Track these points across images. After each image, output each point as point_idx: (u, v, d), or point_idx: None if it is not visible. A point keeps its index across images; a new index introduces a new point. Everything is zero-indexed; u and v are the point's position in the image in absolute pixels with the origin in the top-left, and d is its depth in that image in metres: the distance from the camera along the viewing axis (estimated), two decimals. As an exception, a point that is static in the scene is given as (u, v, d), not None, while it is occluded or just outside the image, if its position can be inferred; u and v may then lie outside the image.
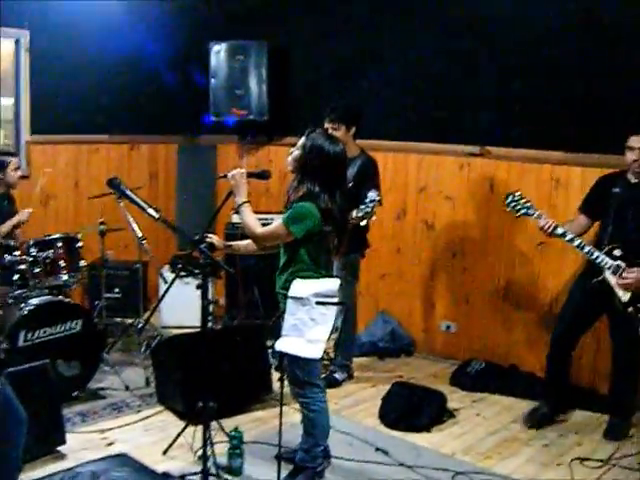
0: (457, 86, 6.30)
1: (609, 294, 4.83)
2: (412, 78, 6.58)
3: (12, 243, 5.36)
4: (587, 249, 4.85)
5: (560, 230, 4.88)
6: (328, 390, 4.97)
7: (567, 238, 4.86)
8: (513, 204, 5.01)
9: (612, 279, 4.80)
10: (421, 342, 6.82)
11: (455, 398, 5.71)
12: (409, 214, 6.77)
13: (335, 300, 3.79)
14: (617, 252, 4.81)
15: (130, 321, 6.64)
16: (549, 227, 4.88)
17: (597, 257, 4.82)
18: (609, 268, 4.80)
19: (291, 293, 3.73)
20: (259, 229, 4.15)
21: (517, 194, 5.03)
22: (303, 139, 4.14)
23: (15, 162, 5.78)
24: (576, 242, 4.86)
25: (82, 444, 4.67)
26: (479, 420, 5.37)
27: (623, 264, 4.77)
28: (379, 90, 6.78)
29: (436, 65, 6.41)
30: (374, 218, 5.09)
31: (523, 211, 4.98)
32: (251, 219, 4.18)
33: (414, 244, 6.77)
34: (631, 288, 4.75)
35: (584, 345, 5.47)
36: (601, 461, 4.70)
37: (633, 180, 4.91)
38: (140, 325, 6.37)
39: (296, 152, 4.16)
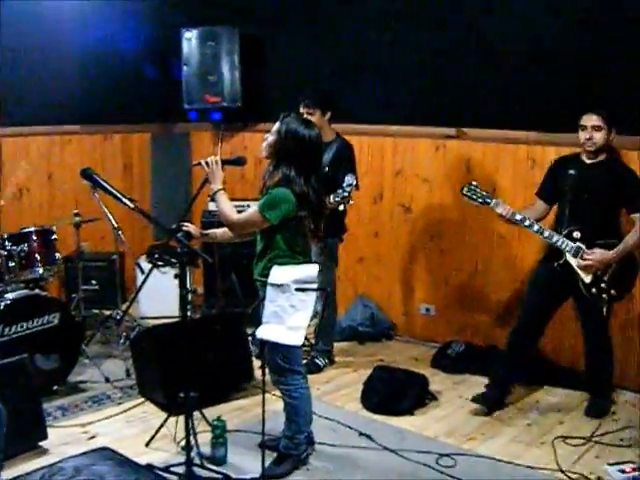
0: (431, 68, 6.28)
1: (572, 277, 4.84)
2: (386, 61, 6.55)
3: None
4: (546, 233, 4.84)
5: (519, 216, 4.86)
6: (310, 376, 4.98)
7: (526, 224, 4.85)
8: (469, 193, 4.98)
9: (573, 261, 4.81)
10: (401, 325, 6.82)
11: (436, 380, 5.72)
12: (386, 197, 6.76)
13: (315, 286, 3.77)
14: (576, 234, 4.82)
15: (108, 313, 6.59)
16: (507, 213, 4.86)
17: (557, 240, 4.83)
18: (569, 251, 4.80)
19: (270, 280, 3.71)
20: (235, 216, 4.13)
21: (473, 184, 5.00)
22: (277, 124, 4.11)
23: None
24: (535, 227, 4.85)
25: (64, 438, 4.64)
26: (461, 402, 5.37)
27: (583, 246, 4.78)
28: (353, 74, 6.75)
29: (411, 47, 6.36)
30: (351, 202, 5.08)
31: (480, 200, 4.95)
32: (227, 206, 4.16)
33: (392, 228, 6.77)
34: (592, 269, 4.78)
35: (565, 323, 5.49)
36: (583, 439, 4.73)
37: (587, 161, 4.91)
38: (119, 317, 6.33)
39: (270, 138, 4.13)
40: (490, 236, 6.06)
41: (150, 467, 4.01)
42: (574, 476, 4.25)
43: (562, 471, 4.32)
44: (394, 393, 5.24)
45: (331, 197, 4.92)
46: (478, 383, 5.38)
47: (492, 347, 6.04)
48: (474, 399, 5.16)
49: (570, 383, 5.54)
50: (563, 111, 5.33)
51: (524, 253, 5.89)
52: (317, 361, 5.95)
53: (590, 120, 4.79)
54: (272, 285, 3.69)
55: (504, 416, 5.14)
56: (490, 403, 5.16)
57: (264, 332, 3.67)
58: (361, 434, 4.80)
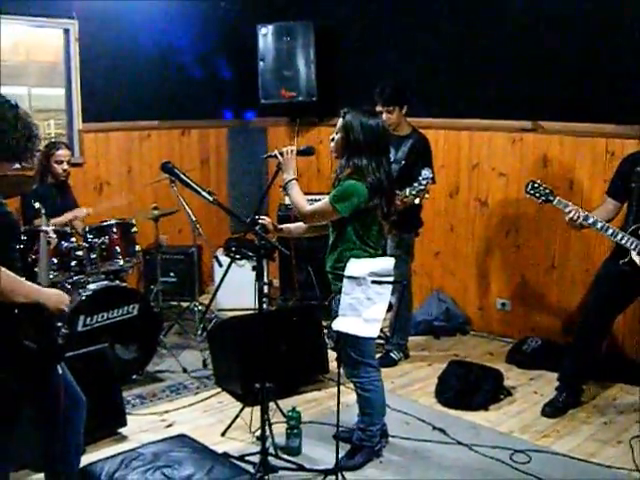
0: (507, 61, 6.21)
1: (638, 275, 4.68)
2: (461, 55, 6.52)
3: (68, 230, 5.42)
4: (611, 231, 4.69)
5: (591, 219, 4.70)
6: (384, 369, 5.01)
7: (589, 221, 4.68)
8: (533, 191, 4.89)
9: (638, 260, 4.67)
10: (476, 320, 6.79)
11: (512, 376, 5.68)
12: (462, 191, 6.73)
13: (391, 279, 3.77)
14: None
15: (186, 304, 6.71)
16: (579, 217, 4.70)
17: (622, 238, 4.68)
18: (635, 249, 4.66)
19: (347, 272, 3.73)
20: (307, 207, 4.18)
21: (537, 181, 4.91)
22: (340, 121, 4.14)
23: (59, 155, 5.81)
24: (599, 225, 4.68)
25: (142, 426, 4.76)
26: (537, 398, 5.32)
27: None
28: (428, 67, 6.73)
29: (486, 41, 6.32)
30: (427, 196, 5.06)
31: (543, 198, 4.85)
32: (299, 196, 4.21)
33: (467, 222, 6.74)
34: None
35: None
36: (662, 438, 4.63)
37: None
38: (197, 309, 6.43)
39: (337, 136, 4.17)
40: (567, 231, 5.97)
41: (226, 455, 4.07)
42: (651, 475, 4.18)
43: (639, 470, 4.24)
44: (468, 388, 5.22)
45: (407, 190, 4.91)
46: (554, 379, 5.28)
47: (569, 344, 5.96)
48: (543, 412, 5.08)
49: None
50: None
51: (601, 248, 5.78)
52: (392, 355, 5.96)
53: None
54: (349, 277, 3.71)
55: (580, 414, 5.07)
56: (557, 412, 5.07)
57: (340, 324, 3.69)
58: (435, 428, 4.80)
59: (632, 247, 4.67)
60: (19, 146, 3.02)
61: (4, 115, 2.98)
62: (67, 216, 5.71)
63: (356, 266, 3.75)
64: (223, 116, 8.20)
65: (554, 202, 4.81)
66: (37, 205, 4.77)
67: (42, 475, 3.50)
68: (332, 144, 4.22)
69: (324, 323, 5.43)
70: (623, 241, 4.68)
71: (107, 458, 3.58)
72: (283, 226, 4.58)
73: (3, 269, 2.83)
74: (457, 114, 6.60)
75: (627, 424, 4.90)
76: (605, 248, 5.67)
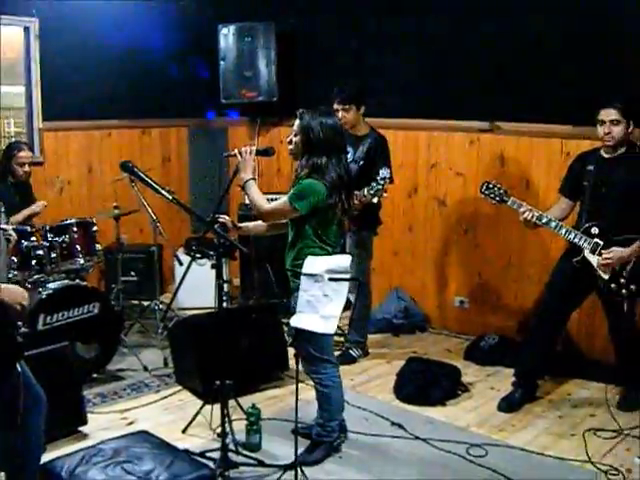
0: (464, 62, 6.31)
1: (591, 273, 4.79)
2: (420, 55, 6.60)
3: (28, 229, 5.41)
4: (564, 230, 4.81)
5: (545, 219, 4.84)
6: (343, 367, 5.09)
7: (543, 221, 4.82)
8: (487, 192, 4.99)
9: (591, 258, 4.76)
10: (435, 318, 6.88)
11: (469, 372, 5.77)
12: (420, 191, 6.81)
13: (347, 276, 3.84)
14: (594, 230, 4.76)
15: (147, 303, 6.73)
16: (532, 217, 4.84)
17: (574, 237, 4.79)
18: (587, 247, 4.76)
19: (304, 270, 3.78)
20: (265, 205, 4.22)
21: (492, 182, 5.00)
22: (298, 123, 4.20)
23: (21, 156, 5.79)
24: (552, 224, 4.81)
25: (103, 424, 4.77)
26: (493, 393, 5.40)
27: (601, 242, 4.72)
28: (387, 68, 6.80)
29: (443, 41, 6.42)
30: (385, 195, 5.13)
31: (498, 198, 4.95)
32: (257, 195, 4.25)
33: (426, 221, 6.82)
34: (609, 267, 4.70)
35: (595, 316, 5.50)
36: (614, 431, 4.72)
37: (606, 155, 4.87)
38: (157, 307, 6.45)
39: (296, 138, 4.22)
40: (523, 230, 6.02)
41: (187, 452, 4.11)
42: (604, 467, 4.26)
43: (592, 462, 4.33)
44: (426, 384, 5.29)
45: (365, 190, 4.98)
46: (510, 375, 5.37)
47: (525, 340, 6.06)
48: (499, 407, 5.16)
49: (602, 376, 5.53)
50: (597, 104, 5.31)
51: (557, 246, 5.88)
52: (351, 352, 6.03)
53: (608, 114, 4.74)
54: (306, 275, 3.76)
55: (535, 408, 5.16)
56: (513, 407, 5.15)
57: (298, 321, 3.74)
58: (393, 423, 4.86)
59: (585, 246, 4.77)
60: None
61: None
62: (24, 212, 5.68)
63: (313, 263, 3.81)
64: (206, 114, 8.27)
65: (508, 202, 4.91)
66: None
67: (2, 474, 3.50)
68: (290, 146, 4.27)
69: (284, 320, 5.47)
70: (576, 240, 4.78)
71: (67, 455, 3.60)
72: (243, 224, 4.62)
73: None
74: (415, 114, 6.67)
75: (581, 418, 5.01)
76: (560, 246, 5.76)
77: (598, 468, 4.27)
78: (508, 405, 5.15)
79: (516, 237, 6.20)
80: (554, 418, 5.02)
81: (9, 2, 6.57)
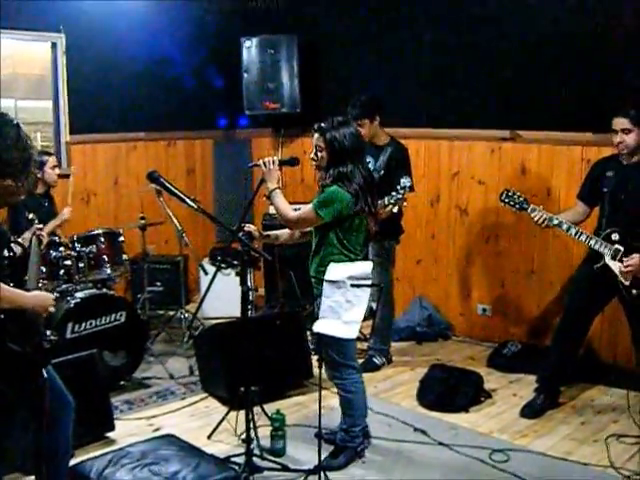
0: (485, 71, 6.37)
1: (612, 279, 4.78)
2: (441, 65, 6.67)
3: (57, 239, 5.51)
4: (584, 237, 4.83)
5: (556, 220, 4.87)
6: (367, 374, 5.15)
7: (563, 227, 4.86)
8: (507, 200, 5.02)
9: (613, 264, 4.76)
10: (458, 326, 6.92)
11: (492, 379, 5.79)
12: (442, 200, 6.86)
13: (369, 282, 3.89)
14: (615, 236, 4.76)
15: (172, 313, 6.81)
16: (543, 220, 4.88)
17: (595, 243, 4.81)
18: (608, 253, 4.77)
19: (327, 276, 3.84)
20: (291, 213, 4.30)
21: (512, 190, 5.04)
22: (317, 137, 4.27)
23: (53, 160, 5.89)
24: (572, 231, 4.84)
25: (130, 430, 4.84)
26: (516, 400, 5.42)
27: (621, 248, 4.73)
28: (408, 78, 6.87)
29: (465, 52, 6.48)
30: (405, 204, 5.18)
31: (517, 206, 4.99)
32: (283, 204, 4.33)
33: (448, 229, 6.86)
34: (631, 274, 4.69)
35: (619, 322, 5.47)
36: (637, 437, 4.72)
37: (625, 162, 4.88)
38: (183, 316, 6.53)
39: (320, 154, 4.28)
40: (545, 237, 6.10)
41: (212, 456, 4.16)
42: (626, 473, 4.28)
43: (614, 468, 4.35)
44: (449, 390, 5.33)
45: (385, 199, 5.03)
46: (533, 382, 5.40)
47: (548, 347, 6.08)
48: (521, 413, 5.18)
49: (625, 382, 5.51)
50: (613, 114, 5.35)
51: (579, 253, 5.90)
52: (375, 360, 6.07)
53: (619, 124, 4.77)
54: (328, 281, 3.82)
55: (557, 415, 5.18)
56: (536, 413, 5.17)
57: (320, 326, 3.80)
58: (416, 429, 4.90)
59: (606, 252, 4.78)
60: (16, 167, 3.04)
61: (7, 134, 3.02)
62: (54, 223, 5.73)
63: (335, 270, 3.87)
64: (218, 124, 8.34)
65: (528, 210, 4.94)
66: (31, 216, 4.82)
67: (32, 478, 3.57)
68: (315, 163, 4.34)
69: (307, 328, 5.52)
70: (597, 246, 4.80)
71: (96, 457, 3.67)
72: (270, 233, 4.69)
73: None
74: (437, 124, 6.73)
75: (603, 424, 5.02)
76: (582, 253, 5.80)
77: (620, 474, 4.29)
78: (531, 411, 5.17)
79: (538, 245, 6.24)
80: (577, 424, 5.03)
81: (36, 18, 6.69)
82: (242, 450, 4.28)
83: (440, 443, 4.72)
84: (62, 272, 5.45)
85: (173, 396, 5.51)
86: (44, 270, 5.27)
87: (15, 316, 3.05)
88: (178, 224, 6.18)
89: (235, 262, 6.47)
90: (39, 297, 3.20)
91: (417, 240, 6.96)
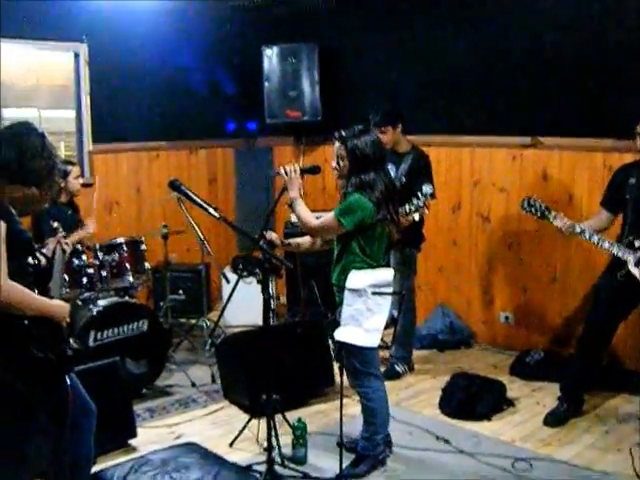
0: (506, 78, 6.35)
1: (636, 286, 4.74)
2: (462, 72, 6.65)
3: (80, 248, 5.54)
4: (606, 244, 4.79)
5: (578, 229, 4.83)
6: (389, 382, 5.14)
7: (586, 236, 4.82)
8: (529, 208, 4.99)
9: (636, 271, 4.72)
10: (480, 334, 6.89)
11: (514, 388, 5.76)
12: (464, 207, 6.85)
13: (390, 290, 3.89)
14: (638, 243, 4.73)
15: (194, 321, 6.83)
16: (565, 227, 4.85)
17: (618, 251, 4.77)
18: (631, 261, 4.73)
19: (348, 284, 3.85)
20: (313, 222, 4.31)
21: (532, 198, 5.00)
22: (340, 146, 4.27)
23: (76, 170, 5.94)
24: (594, 238, 4.80)
25: (151, 438, 4.85)
26: (539, 409, 5.39)
27: None
28: (429, 85, 6.86)
29: (485, 59, 6.47)
30: (427, 212, 5.17)
31: (539, 214, 4.96)
32: (305, 212, 4.33)
33: (470, 237, 6.85)
34: None
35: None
36: (662, 445, 4.69)
37: None
38: (205, 325, 6.55)
39: (342, 162, 4.28)
40: (568, 244, 6.06)
41: (233, 464, 4.17)
42: (651, 482, 4.25)
43: (639, 477, 4.30)
44: (471, 399, 5.31)
45: (407, 206, 5.03)
46: (556, 390, 5.35)
47: (571, 355, 6.04)
48: (545, 421, 5.16)
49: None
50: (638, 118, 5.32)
51: (602, 261, 5.86)
52: (396, 368, 6.06)
53: None
54: (349, 289, 3.83)
55: (581, 423, 5.15)
56: (559, 422, 5.15)
57: (342, 334, 3.81)
58: (438, 438, 4.89)
59: (629, 259, 4.75)
60: (40, 175, 3.11)
61: (33, 143, 3.09)
62: (78, 234, 5.72)
63: (357, 278, 3.87)
64: (229, 130, 8.37)
65: (550, 217, 4.91)
66: (55, 224, 4.85)
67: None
68: (337, 173, 4.34)
69: (329, 336, 5.52)
70: (620, 253, 4.77)
71: (118, 464, 3.69)
72: (291, 240, 4.70)
73: (16, 284, 2.97)
74: (458, 131, 6.73)
75: (627, 433, 4.98)
76: (605, 260, 5.77)
77: (645, 482, 4.25)
78: (554, 419, 5.14)
79: (561, 252, 6.20)
80: (600, 433, 5.00)
81: (60, 28, 6.75)
82: (263, 458, 4.29)
83: (462, 452, 4.70)
84: (85, 280, 5.47)
85: (195, 404, 5.52)
86: (67, 278, 5.31)
87: (39, 323, 3.08)
88: (200, 232, 6.19)
89: (257, 270, 6.46)
90: (61, 306, 3.23)
91: (439, 248, 6.95)
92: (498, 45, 6.37)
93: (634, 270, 4.75)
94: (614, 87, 5.68)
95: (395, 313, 5.31)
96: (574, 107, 5.93)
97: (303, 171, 4.43)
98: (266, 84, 7.72)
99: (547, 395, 5.61)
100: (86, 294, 5.52)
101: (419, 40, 6.93)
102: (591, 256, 5.92)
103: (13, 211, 3.13)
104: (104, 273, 5.56)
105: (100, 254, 5.58)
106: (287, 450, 4.56)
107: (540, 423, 5.15)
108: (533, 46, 6.14)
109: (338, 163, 4.30)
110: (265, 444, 4.30)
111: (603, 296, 5.08)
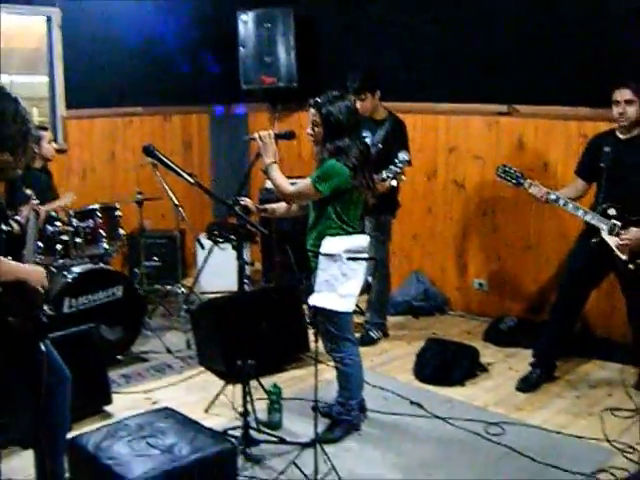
0: (482, 46, 6.33)
1: (609, 253, 4.80)
2: (438, 40, 6.63)
3: (53, 214, 5.50)
4: (580, 212, 4.84)
5: (553, 196, 4.88)
6: (364, 348, 5.18)
7: (560, 203, 4.87)
8: (503, 175, 5.03)
9: (609, 239, 4.78)
10: (454, 300, 6.94)
11: (488, 354, 5.82)
12: (439, 174, 6.86)
13: (365, 255, 3.90)
14: (611, 211, 4.78)
15: (169, 287, 6.83)
16: (540, 194, 4.90)
17: (592, 218, 4.82)
18: (605, 228, 4.78)
19: (323, 250, 3.86)
20: (289, 188, 4.29)
21: (507, 166, 5.04)
22: (314, 113, 4.24)
23: (49, 135, 5.88)
24: (569, 206, 4.85)
25: (127, 404, 4.86)
26: (512, 374, 5.45)
27: (618, 223, 4.74)
28: (405, 52, 6.84)
29: (461, 26, 6.45)
30: (404, 178, 5.18)
31: (514, 181, 4.99)
32: (280, 178, 4.31)
33: (445, 204, 6.87)
34: (628, 248, 4.72)
35: (615, 297, 5.52)
36: (632, 411, 4.77)
37: (622, 136, 4.88)
38: (180, 291, 6.54)
39: (317, 129, 4.26)
40: (542, 212, 6.09)
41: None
42: (620, 446, 4.31)
43: (609, 441, 4.38)
44: (445, 364, 5.36)
45: (383, 173, 5.03)
46: (529, 356, 5.41)
47: (544, 322, 6.10)
48: (517, 387, 5.21)
49: (620, 357, 5.57)
50: (614, 85, 5.33)
51: (576, 228, 5.90)
52: (371, 334, 6.09)
53: (622, 94, 4.76)
54: (324, 255, 3.83)
55: (553, 388, 5.22)
56: (532, 387, 5.20)
57: (317, 300, 3.82)
58: (412, 403, 4.93)
59: (602, 227, 4.79)
60: (14, 140, 3.05)
61: (6, 108, 3.03)
62: (55, 205, 5.66)
63: (331, 243, 3.89)
64: (214, 112, 8.33)
65: (524, 185, 4.94)
66: (29, 191, 4.82)
67: (31, 451, 3.59)
68: (313, 138, 4.31)
69: (304, 301, 5.54)
70: (594, 221, 4.81)
71: (93, 430, 3.69)
72: (267, 206, 4.68)
73: None
74: (434, 98, 6.71)
75: (598, 398, 5.06)
76: (579, 227, 5.81)
77: (614, 447, 4.32)
78: (526, 385, 5.20)
79: (535, 220, 6.24)
80: (572, 398, 5.07)
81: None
82: (239, 423, 4.33)
83: (436, 416, 4.75)
84: (59, 247, 5.43)
85: (170, 370, 5.54)
86: (41, 245, 5.27)
87: (14, 289, 3.06)
88: (175, 199, 6.16)
89: (232, 236, 6.45)
90: (34, 271, 3.21)
91: (414, 215, 6.96)
92: (474, 12, 6.35)
93: (607, 238, 4.79)
94: (589, 56, 5.67)
95: (370, 279, 5.34)
96: (550, 75, 5.93)
97: (278, 136, 4.41)
98: (241, 49, 7.66)
99: (520, 361, 5.66)
100: (60, 261, 5.46)
101: (396, 6, 6.88)
102: (565, 224, 5.97)
103: (-15, 178, 3.10)
104: (78, 240, 5.52)
105: (74, 220, 5.53)
106: (262, 415, 4.59)
107: (513, 388, 5.21)
108: (509, 14, 6.12)
109: (313, 129, 4.28)
110: (241, 409, 4.32)
111: (576, 263, 5.13)
